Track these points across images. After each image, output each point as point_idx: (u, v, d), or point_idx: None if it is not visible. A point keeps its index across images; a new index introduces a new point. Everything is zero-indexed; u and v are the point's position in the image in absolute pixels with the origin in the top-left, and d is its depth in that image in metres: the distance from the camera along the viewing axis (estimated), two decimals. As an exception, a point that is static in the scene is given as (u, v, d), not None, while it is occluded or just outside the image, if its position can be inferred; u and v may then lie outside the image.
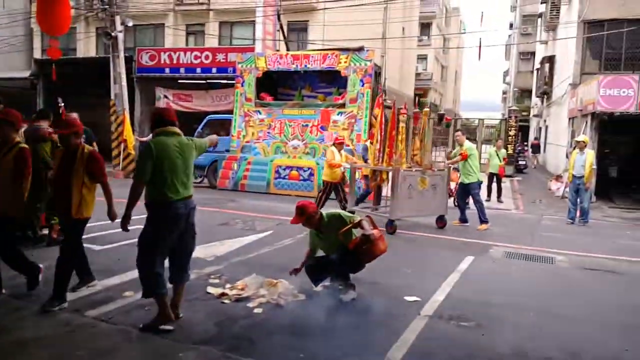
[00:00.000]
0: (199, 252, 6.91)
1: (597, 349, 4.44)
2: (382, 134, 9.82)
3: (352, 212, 8.89)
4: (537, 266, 7.39)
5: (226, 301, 5.10)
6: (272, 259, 6.94)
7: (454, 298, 5.56)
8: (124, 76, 16.76)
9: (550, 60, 25.96)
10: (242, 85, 14.89)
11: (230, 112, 15.48)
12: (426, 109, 10.32)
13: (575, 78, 18.40)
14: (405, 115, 10.03)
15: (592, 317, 5.21)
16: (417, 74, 42.53)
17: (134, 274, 4.57)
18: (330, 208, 6.44)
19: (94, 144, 8.48)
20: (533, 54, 38.16)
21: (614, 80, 13.52)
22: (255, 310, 4.88)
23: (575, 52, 18.51)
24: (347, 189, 10.18)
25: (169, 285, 4.58)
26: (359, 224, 5.27)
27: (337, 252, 5.30)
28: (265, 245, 7.74)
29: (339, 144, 10.37)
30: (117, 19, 16.30)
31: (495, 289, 6.08)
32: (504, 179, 15.45)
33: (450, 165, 10.67)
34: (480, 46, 19.42)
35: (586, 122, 14.92)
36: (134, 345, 4.17)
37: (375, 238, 5.14)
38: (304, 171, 13.84)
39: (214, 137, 5.32)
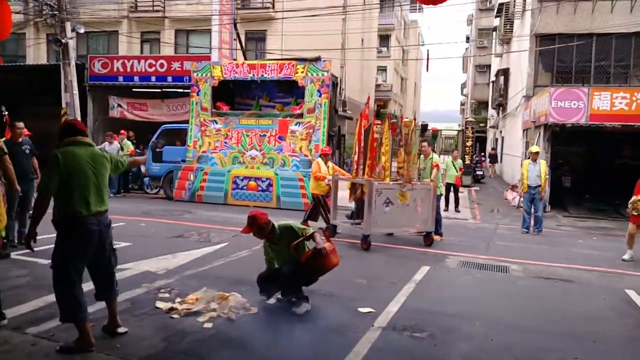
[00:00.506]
0: (150, 265, 6.76)
1: (549, 358, 4.45)
2: (361, 145, 9.34)
3: (335, 227, 8.78)
4: (491, 275, 7.45)
5: (175, 316, 4.93)
6: (225, 272, 6.78)
7: (408, 308, 5.52)
8: (75, 84, 16.23)
9: (505, 72, 26.63)
10: (197, 95, 14.63)
11: (187, 121, 15.21)
12: (406, 120, 9.81)
13: (529, 90, 18.89)
14: (379, 126, 9.52)
15: (545, 326, 5.24)
16: (377, 85, 43.05)
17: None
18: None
19: (33, 158, 7.79)
20: (489, 66, 39.10)
21: (564, 93, 13.88)
22: (205, 325, 4.74)
23: (528, 65, 19.03)
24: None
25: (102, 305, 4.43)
26: (311, 237, 5.18)
27: (289, 264, 5.19)
28: (219, 258, 7.56)
29: (324, 155, 10.20)
30: (68, 25, 15.77)
31: (450, 299, 6.09)
32: (461, 189, 15.64)
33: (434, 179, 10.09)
34: (428, 58, 19.75)
35: (539, 133, 15.28)
36: (74, 364, 3.96)
37: (327, 252, 5.06)
38: (263, 182, 13.69)
39: (141, 158, 5.16)
